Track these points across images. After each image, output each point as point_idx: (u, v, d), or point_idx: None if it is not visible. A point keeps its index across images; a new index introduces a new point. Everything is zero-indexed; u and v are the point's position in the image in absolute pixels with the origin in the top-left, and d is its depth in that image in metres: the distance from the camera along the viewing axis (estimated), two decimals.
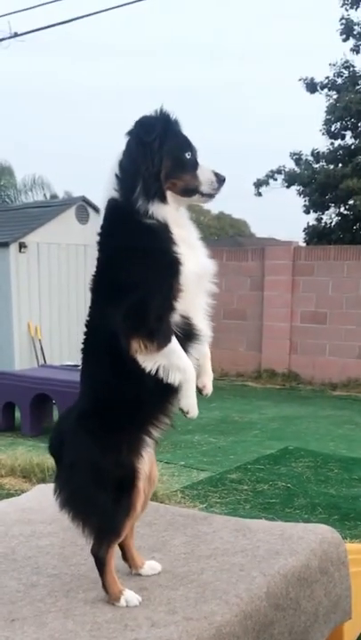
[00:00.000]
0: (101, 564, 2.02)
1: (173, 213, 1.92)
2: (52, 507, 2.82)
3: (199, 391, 2.04)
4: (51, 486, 3.24)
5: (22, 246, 9.81)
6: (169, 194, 1.91)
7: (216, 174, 1.96)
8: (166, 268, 1.87)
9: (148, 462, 2.05)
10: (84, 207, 10.62)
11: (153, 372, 1.89)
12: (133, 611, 1.95)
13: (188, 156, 1.93)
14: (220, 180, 1.96)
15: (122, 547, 2.16)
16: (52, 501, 2.89)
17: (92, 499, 1.99)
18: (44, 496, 2.98)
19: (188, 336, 1.95)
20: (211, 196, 1.98)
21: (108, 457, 1.96)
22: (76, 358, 9.89)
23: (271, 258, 11.31)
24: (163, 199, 1.89)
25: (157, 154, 1.87)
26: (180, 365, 1.90)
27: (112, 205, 1.94)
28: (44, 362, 9.69)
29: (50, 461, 5.87)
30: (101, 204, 1.99)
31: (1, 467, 6.01)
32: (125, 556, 2.19)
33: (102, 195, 1.97)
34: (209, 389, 2.08)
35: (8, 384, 7.74)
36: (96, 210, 10.66)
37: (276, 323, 11.25)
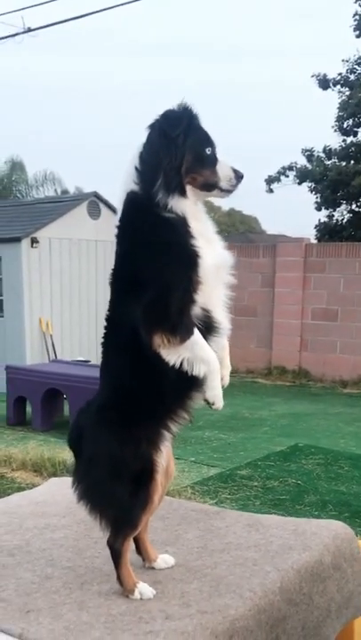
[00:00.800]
0: (117, 556, 2.03)
1: (192, 207, 1.93)
2: (65, 500, 2.84)
3: None
4: (64, 480, 3.27)
5: (34, 241, 9.85)
6: (188, 188, 1.92)
7: (235, 170, 1.97)
8: (185, 261, 1.87)
9: (165, 456, 2.06)
10: (95, 203, 10.64)
11: (177, 365, 1.89)
12: (147, 603, 1.95)
13: (208, 151, 1.94)
14: (239, 176, 1.98)
15: (136, 540, 2.17)
16: (65, 495, 2.92)
17: (110, 491, 1.99)
18: (57, 489, 3.00)
19: (207, 329, 1.95)
20: (229, 191, 1.99)
21: (127, 450, 1.97)
22: (86, 353, 9.94)
23: (282, 254, 11.29)
24: (183, 193, 1.90)
25: (181, 148, 1.87)
26: (204, 357, 1.90)
27: (131, 198, 1.94)
28: (55, 357, 9.72)
29: (61, 455, 5.93)
30: (119, 196, 1.99)
31: (12, 460, 6.05)
32: (139, 549, 2.20)
33: (120, 187, 1.96)
34: (226, 381, 2.09)
35: (19, 379, 7.79)
36: (108, 205, 10.68)
37: (286, 319, 11.23)
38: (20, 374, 7.87)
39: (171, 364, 1.89)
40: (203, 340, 1.91)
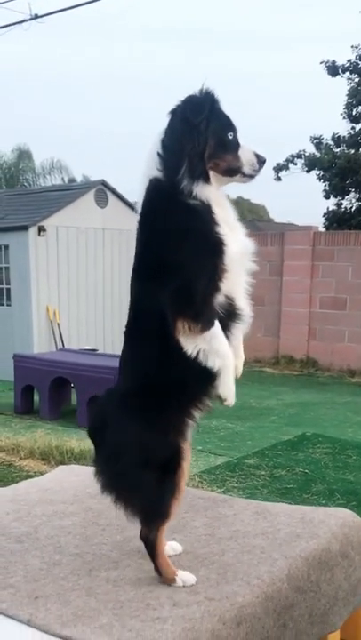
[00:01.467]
0: (153, 548, 2.02)
1: (215, 193, 1.92)
2: (72, 487, 2.86)
3: None
4: (72, 467, 3.28)
5: (41, 230, 9.83)
6: (211, 174, 1.90)
7: (257, 155, 1.96)
8: (211, 249, 1.86)
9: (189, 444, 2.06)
10: (103, 191, 10.60)
11: (193, 355, 1.88)
12: (155, 590, 1.96)
13: (230, 136, 1.93)
14: (261, 161, 1.96)
15: None
16: (72, 482, 2.93)
17: (137, 481, 1.97)
18: (65, 477, 3.02)
19: (230, 316, 1.95)
20: (252, 176, 1.98)
21: (155, 437, 1.95)
22: (93, 342, 9.95)
23: (291, 243, 11.23)
24: (206, 179, 1.89)
25: (204, 134, 1.86)
26: (219, 351, 1.90)
27: (154, 185, 1.92)
28: (63, 345, 9.74)
29: (68, 444, 5.95)
30: (141, 182, 1.96)
31: (20, 449, 6.07)
32: None
33: (142, 173, 1.94)
34: (239, 372, 2.08)
35: (27, 367, 7.80)
36: (115, 193, 10.64)
37: (294, 308, 11.20)
38: (27, 363, 7.89)
39: (188, 353, 1.88)
40: (222, 333, 1.91)
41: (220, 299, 1.91)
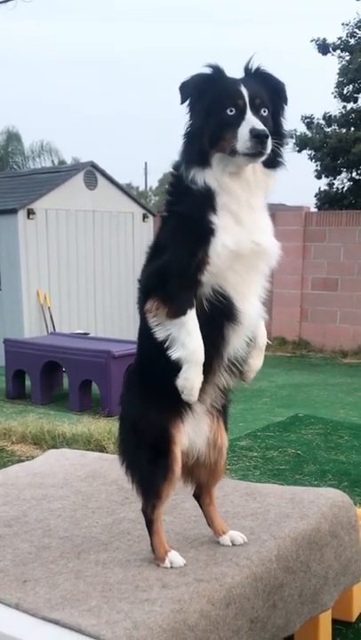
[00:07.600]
0: (149, 524, 2.05)
1: (224, 179, 1.78)
2: (63, 471, 2.84)
3: (240, 373, 1.99)
4: (62, 451, 3.28)
5: (31, 213, 9.73)
6: (218, 156, 1.77)
7: (251, 130, 1.72)
8: (195, 236, 1.78)
9: (209, 428, 2.04)
10: (92, 172, 10.49)
11: (160, 339, 1.85)
12: (144, 572, 1.96)
13: (230, 112, 1.75)
14: (254, 135, 1.71)
15: (203, 512, 2.22)
16: (63, 466, 2.92)
17: (133, 452, 2.04)
18: (55, 461, 3.00)
19: (223, 314, 1.86)
20: (252, 155, 1.74)
21: (144, 417, 1.97)
22: (85, 326, 9.90)
23: (282, 223, 11.16)
24: (203, 163, 1.77)
25: (193, 115, 1.78)
26: (185, 342, 1.81)
27: (173, 166, 1.90)
28: (54, 329, 9.70)
29: (60, 428, 5.94)
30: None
31: (12, 434, 6.04)
32: (208, 522, 2.22)
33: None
34: (247, 378, 2.03)
35: (18, 352, 7.76)
36: (104, 175, 10.53)
37: (286, 290, 11.18)
38: (18, 347, 7.84)
39: (155, 335, 1.85)
40: (194, 326, 1.81)
41: (205, 291, 1.82)
